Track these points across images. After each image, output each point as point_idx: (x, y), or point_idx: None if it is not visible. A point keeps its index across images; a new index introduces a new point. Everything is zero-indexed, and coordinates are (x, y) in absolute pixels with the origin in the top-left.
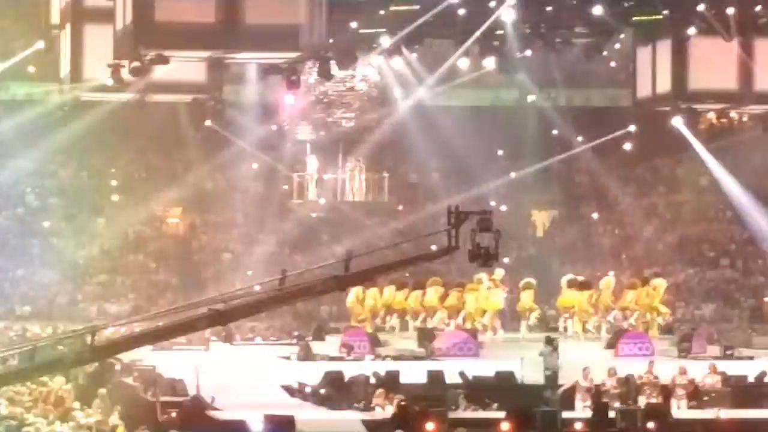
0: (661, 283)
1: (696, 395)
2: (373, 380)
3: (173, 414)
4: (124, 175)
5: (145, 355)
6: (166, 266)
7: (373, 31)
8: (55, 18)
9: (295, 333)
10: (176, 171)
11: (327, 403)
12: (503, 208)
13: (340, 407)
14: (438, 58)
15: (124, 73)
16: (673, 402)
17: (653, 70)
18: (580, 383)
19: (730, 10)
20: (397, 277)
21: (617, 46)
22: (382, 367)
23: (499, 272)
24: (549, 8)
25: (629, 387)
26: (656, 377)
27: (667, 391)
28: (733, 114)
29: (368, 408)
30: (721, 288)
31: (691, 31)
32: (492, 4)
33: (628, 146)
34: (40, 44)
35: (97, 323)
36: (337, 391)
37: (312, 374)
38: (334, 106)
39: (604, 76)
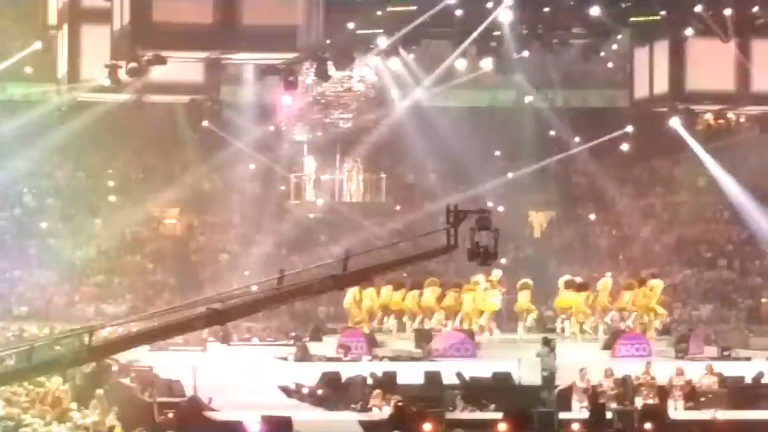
0: (658, 284)
1: (693, 396)
2: (370, 381)
3: (170, 414)
4: (122, 175)
5: (142, 356)
6: (163, 267)
7: (371, 31)
8: (52, 18)
9: (292, 334)
10: (173, 172)
11: (324, 404)
12: (500, 208)
13: (337, 408)
14: (435, 59)
15: (122, 74)
16: (670, 403)
17: (650, 71)
18: (577, 384)
19: (728, 11)
20: (395, 278)
21: (614, 46)
22: (380, 368)
23: (496, 273)
24: (546, 9)
25: (626, 388)
26: (653, 378)
27: (664, 392)
28: (730, 115)
29: (365, 409)
30: (719, 289)
31: (689, 32)
32: (489, 5)
33: (625, 147)
34: (38, 45)
35: (95, 323)
36: (335, 392)
37: (309, 375)
38: (331, 107)
39: (602, 76)
